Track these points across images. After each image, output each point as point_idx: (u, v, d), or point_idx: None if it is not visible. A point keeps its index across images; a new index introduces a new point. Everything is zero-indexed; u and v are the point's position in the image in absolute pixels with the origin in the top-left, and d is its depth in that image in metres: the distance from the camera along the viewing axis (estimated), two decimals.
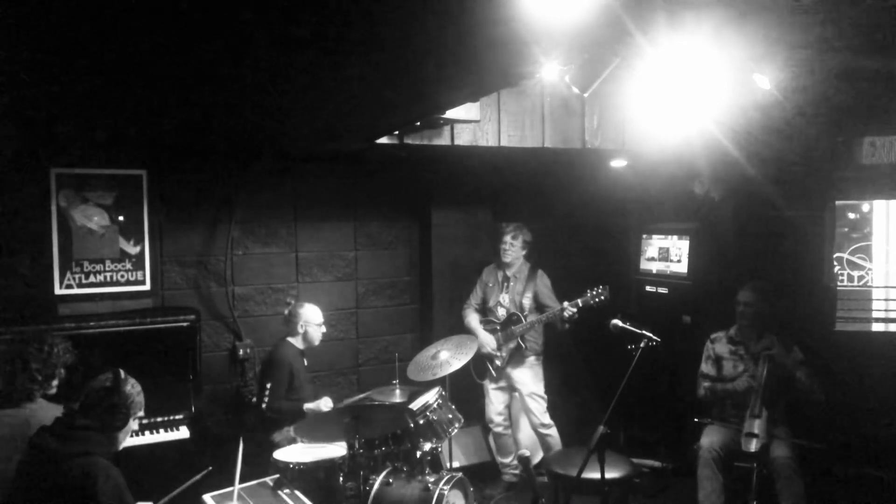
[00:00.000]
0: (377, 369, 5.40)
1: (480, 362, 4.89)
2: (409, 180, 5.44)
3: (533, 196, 5.64)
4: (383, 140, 4.13)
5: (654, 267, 5.31)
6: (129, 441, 2.76)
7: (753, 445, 3.65)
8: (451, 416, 4.07)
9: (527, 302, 4.80)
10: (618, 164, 5.20)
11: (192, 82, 2.64)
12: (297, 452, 3.77)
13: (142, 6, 1.77)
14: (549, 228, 5.25)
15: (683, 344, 4.58)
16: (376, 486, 3.58)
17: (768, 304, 4.16)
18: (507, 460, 4.94)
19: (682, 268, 5.07)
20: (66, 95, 2.82)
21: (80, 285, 4.42)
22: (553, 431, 4.79)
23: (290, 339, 4.37)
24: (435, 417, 3.95)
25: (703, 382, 4.21)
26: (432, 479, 3.60)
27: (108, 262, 4.50)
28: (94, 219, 4.45)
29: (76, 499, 2.35)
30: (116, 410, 2.53)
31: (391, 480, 3.63)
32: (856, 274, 4.46)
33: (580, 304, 4.55)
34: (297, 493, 3.20)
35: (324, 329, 4.45)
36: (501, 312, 4.87)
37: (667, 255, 5.21)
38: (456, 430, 4.08)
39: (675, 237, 5.15)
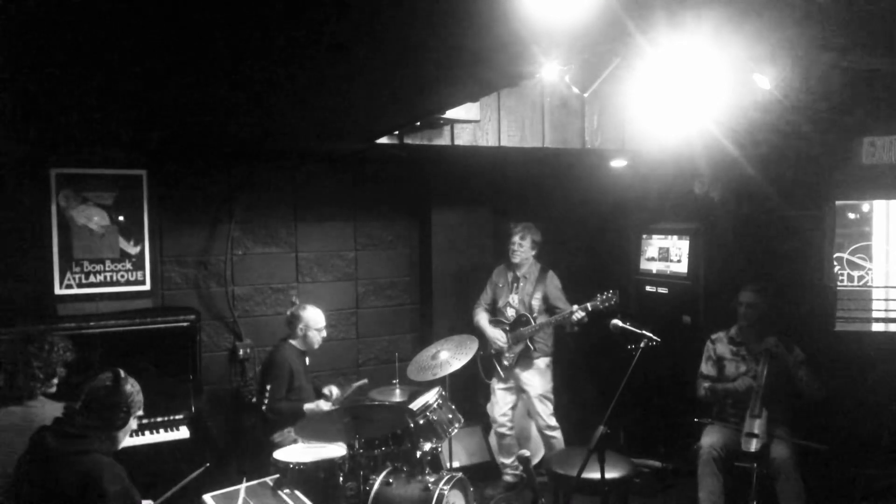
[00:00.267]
0: (377, 369, 5.39)
1: (488, 361, 4.89)
2: (409, 180, 5.44)
3: (533, 196, 5.63)
4: (383, 140, 4.13)
5: (654, 267, 5.31)
6: (128, 441, 2.77)
7: (753, 445, 3.66)
8: (451, 416, 4.07)
9: (536, 303, 4.78)
10: (618, 164, 5.20)
11: (192, 82, 2.64)
12: (297, 452, 3.77)
13: (142, 5, 1.77)
14: (549, 228, 5.23)
15: (683, 344, 4.58)
16: (376, 486, 3.58)
17: (769, 305, 4.16)
18: (508, 461, 4.93)
19: (682, 268, 5.07)
20: (66, 95, 2.82)
21: (80, 285, 4.42)
22: (558, 434, 4.79)
23: (290, 341, 4.37)
24: (435, 417, 3.95)
25: (704, 382, 4.21)
26: (432, 479, 3.60)
27: (108, 262, 4.50)
28: (94, 219, 4.45)
29: (77, 498, 2.35)
30: (117, 409, 2.55)
31: (391, 480, 3.63)
32: (856, 274, 4.46)
33: (589, 309, 4.52)
34: (297, 493, 3.20)
35: (324, 334, 4.44)
36: (511, 313, 4.86)
37: (667, 255, 5.21)
38: (456, 430, 4.08)
39: (675, 237, 5.15)
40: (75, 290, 4.40)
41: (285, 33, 2.02)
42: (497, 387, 4.91)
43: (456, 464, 4.66)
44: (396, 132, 4.09)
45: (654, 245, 5.35)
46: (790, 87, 3.41)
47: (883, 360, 4.30)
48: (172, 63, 2.33)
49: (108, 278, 4.50)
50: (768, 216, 4.72)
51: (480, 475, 4.91)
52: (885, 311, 4.40)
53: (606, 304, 4.50)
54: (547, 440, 4.82)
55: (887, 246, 4.40)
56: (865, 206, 4.44)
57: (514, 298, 4.87)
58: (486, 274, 5.13)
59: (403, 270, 5.56)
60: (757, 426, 3.72)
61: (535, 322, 4.71)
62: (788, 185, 4.56)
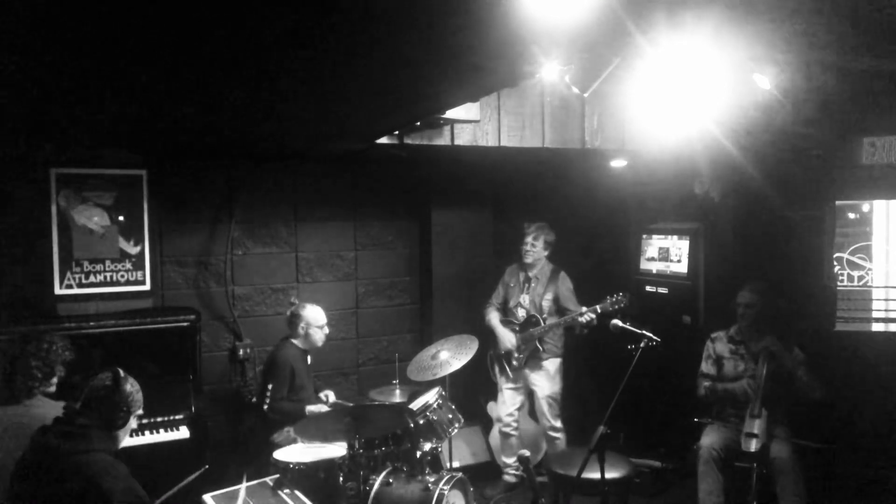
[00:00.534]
0: (377, 369, 5.40)
1: (497, 360, 4.89)
2: (409, 180, 5.44)
3: (533, 196, 5.64)
4: (383, 140, 4.13)
5: (654, 267, 5.31)
6: (128, 441, 2.77)
7: (753, 445, 3.66)
8: (451, 416, 4.07)
9: (546, 304, 4.77)
10: (618, 164, 5.20)
11: (191, 82, 2.64)
12: (297, 452, 3.77)
13: (142, 5, 1.77)
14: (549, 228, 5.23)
15: (683, 344, 4.58)
16: (376, 486, 3.58)
17: (769, 305, 4.15)
18: (509, 461, 4.93)
19: (682, 268, 5.07)
20: (66, 95, 2.82)
21: (80, 285, 4.42)
22: (562, 436, 4.79)
23: (292, 340, 4.37)
24: (435, 417, 3.95)
25: (704, 382, 4.21)
26: (432, 479, 3.60)
27: (108, 262, 4.49)
28: (94, 219, 4.45)
29: (78, 497, 2.35)
30: (117, 409, 2.55)
31: (391, 480, 3.63)
32: (856, 274, 4.46)
33: (599, 311, 4.50)
34: (297, 493, 3.20)
35: (326, 331, 4.44)
36: (521, 313, 4.85)
37: (667, 255, 5.21)
38: (456, 430, 4.08)
39: (675, 237, 5.15)
40: (75, 290, 4.40)
41: (285, 33, 2.02)
42: (505, 386, 4.90)
43: (456, 464, 4.66)
44: (396, 132, 4.09)
45: (654, 245, 5.35)
46: (790, 87, 3.41)
47: (883, 360, 4.30)
48: (172, 63, 2.33)
49: (108, 278, 4.50)
50: (768, 216, 4.72)
51: (480, 475, 4.91)
52: (885, 311, 4.41)
53: (616, 307, 4.47)
54: (550, 441, 4.82)
55: (887, 246, 4.41)
56: (865, 207, 4.45)
57: (524, 299, 4.86)
58: (487, 274, 5.13)
59: (403, 270, 5.56)
60: (757, 426, 3.73)
61: (544, 323, 4.70)
62: (788, 185, 4.55)
